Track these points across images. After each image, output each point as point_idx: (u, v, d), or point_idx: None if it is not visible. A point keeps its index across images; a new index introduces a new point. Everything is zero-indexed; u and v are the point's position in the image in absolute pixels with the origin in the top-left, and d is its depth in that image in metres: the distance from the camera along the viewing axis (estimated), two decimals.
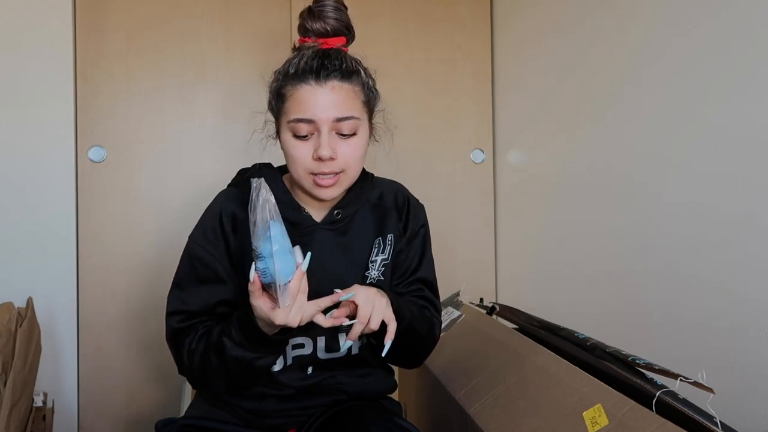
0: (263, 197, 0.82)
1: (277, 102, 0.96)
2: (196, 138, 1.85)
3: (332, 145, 0.92)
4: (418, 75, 2.03)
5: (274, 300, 0.84)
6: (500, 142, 2.08)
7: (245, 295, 0.96)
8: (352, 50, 1.00)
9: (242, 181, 1.04)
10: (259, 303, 0.85)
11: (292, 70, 0.94)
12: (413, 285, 1.09)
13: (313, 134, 0.93)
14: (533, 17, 1.85)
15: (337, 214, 1.02)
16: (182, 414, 1.13)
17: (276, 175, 1.04)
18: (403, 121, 2.01)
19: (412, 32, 2.03)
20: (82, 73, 1.77)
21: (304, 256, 0.88)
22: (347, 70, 0.94)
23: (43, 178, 1.72)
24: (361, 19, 2.01)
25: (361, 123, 0.96)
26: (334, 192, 0.96)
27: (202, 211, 1.04)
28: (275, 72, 0.99)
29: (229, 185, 1.07)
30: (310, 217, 1.01)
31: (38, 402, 1.46)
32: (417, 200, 1.12)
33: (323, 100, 0.92)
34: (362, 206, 1.05)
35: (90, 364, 1.77)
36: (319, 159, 0.92)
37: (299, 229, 1.00)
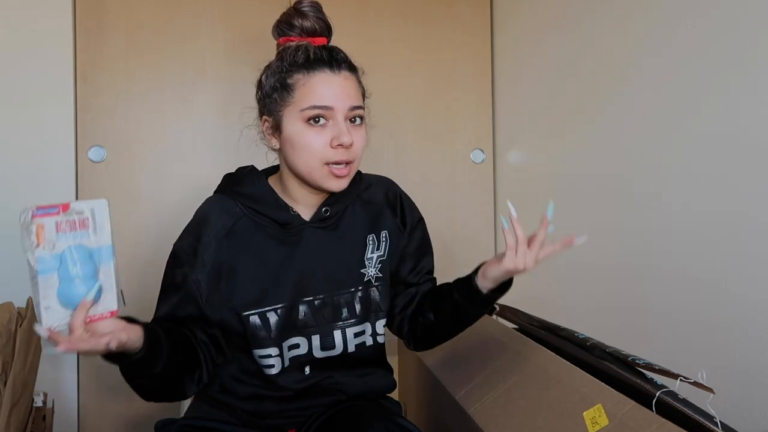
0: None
1: (282, 92, 0.95)
2: (196, 138, 1.85)
3: (350, 132, 0.93)
4: (418, 75, 2.03)
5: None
6: (500, 142, 2.07)
7: (215, 308, 0.96)
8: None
9: (227, 187, 1.05)
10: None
11: (301, 60, 0.94)
12: (427, 276, 1.13)
13: (328, 123, 0.93)
14: (533, 17, 1.85)
15: (326, 211, 1.01)
16: (182, 414, 1.13)
17: (260, 177, 1.04)
18: (403, 121, 2.02)
19: (412, 32, 2.02)
20: (82, 73, 1.77)
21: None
22: (352, 64, 0.98)
23: (43, 178, 1.72)
24: (362, 18, 2.01)
25: (364, 114, 0.98)
26: (346, 183, 0.97)
27: None
28: (271, 65, 0.99)
29: (215, 191, 1.07)
30: (299, 216, 1.01)
31: (38, 402, 1.46)
32: (406, 194, 1.13)
33: (339, 87, 0.93)
34: (351, 202, 1.05)
35: (90, 364, 1.77)
36: (340, 146, 0.92)
37: (288, 229, 1.00)
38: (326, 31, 1.00)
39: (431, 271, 1.15)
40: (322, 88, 0.93)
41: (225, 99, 1.86)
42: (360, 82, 0.99)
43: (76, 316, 0.74)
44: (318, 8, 0.99)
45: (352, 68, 0.97)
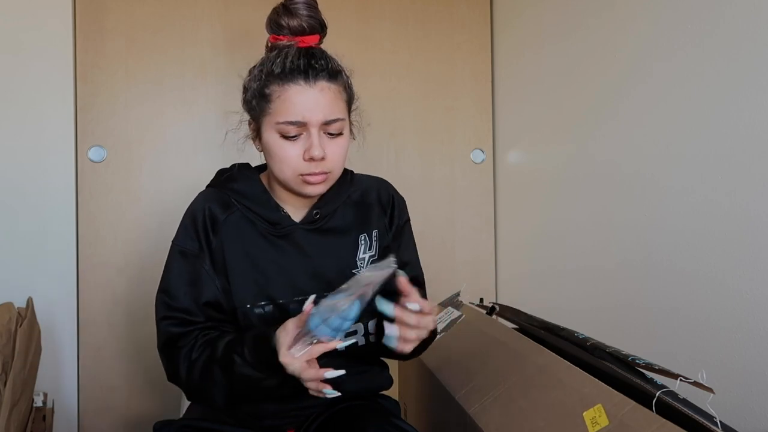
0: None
1: (260, 101, 0.95)
2: (196, 138, 1.85)
3: (323, 145, 0.93)
4: (417, 75, 2.03)
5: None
6: (500, 142, 2.08)
7: (228, 295, 0.96)
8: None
9: (221, 182, 1.05)
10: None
11: (277, 70, 0.92)
12: None
13: (302, 134, 0.93)
14: (533, 17, 1.85)
15: (316, 214, 1.02)
16: (181, 415, 1.13)
17: (254, 175, 1.04)
18: (403, 122, 2.02)
19: (412, 32, 2.02)
20: (82, 74, 1.77)
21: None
22: (333, 70, 0.95)
23: (43, 178, 1.72)
24: (361, 19, 2.01)
25: (345, 123, 0.96)
26: (321, 189, 0.97)
27: None
28: (254, 70, 0.98)
29: (208, 186, 1.07)
30: (289, 216, 1.01)
31: (38, 402, 1.46)
32: (400, 195, 1.12)
33: (313, 101, 0.91)
34: (342, 204, 1.04)
35: (90, 364, 1.77)
36: (311, 159, 0.92)
37: (278, 228, 1.00)
38: (317, 28, 0.97)
39: (413, 280, 1.08)
40: (296, 102, 0.91)
41: (225, 99, 1.86)
42: (345, 88, 0.97)
43: (316, 349, 0.83)
44: (309, 5, 0.96)
45: (333, 75, 0.94)
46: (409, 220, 1.12)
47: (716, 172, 1.16)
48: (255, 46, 1.87)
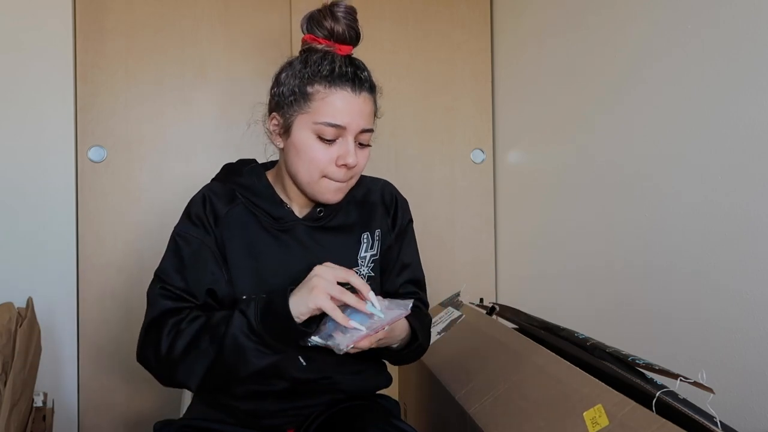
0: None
1: (299, 98, 0.94)
2: (196, 138, 1.85)
3: (356, 153, 0.95)
4: (417, 75, 2.03)
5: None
6: (500, 142, 2.08)
7: (229, 285, 0.96)
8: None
9: (226, 175, 1.06)
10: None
11: (325, 71, 0.93)
12: (409, 287, 1.09)
13: (337, 139, 0.94)
14: (533, 17, 1.85)
15: (320, 211, 1.03)
16: (181, 415, 1.13)
17: (260, 171, 1.05)
18: (403, 122, 2.02)
19: (412, 32, 2.03)
20: (82, 74, 1.77)
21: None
22: (373, 84, 0.98)
23: (43, 178, 1.73)
24: (361, 19, 1.99)
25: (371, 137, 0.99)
26: (340, 197, 0.99)
27: None
28: (293, 65, 0.97)
29: (213, 179, 1.08)
30: (292, 212, 1.02)
31: (38, 402, 1.46)
32: (403, 197, 1.13)
33: (357, 109, 0.93)
34: (345, 203, 1.05)
35: (90, 364, 1.77)
36: (344, 166, 0.94)
37: (281, 223, 1.00)
38: (355, 39, 0.99)
39: (414, 281, 1.11)
40: (341, 107, 0.92)
41: (225, 99, 1.86)
42: (375, 102, 0.99)
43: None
44: (353, 16, 0.98)
45: (372, 89, 0.97)
46: (411, 221, 1.13)
47: (716, 172, 1.16)
48: (255, 46, 1.88)
